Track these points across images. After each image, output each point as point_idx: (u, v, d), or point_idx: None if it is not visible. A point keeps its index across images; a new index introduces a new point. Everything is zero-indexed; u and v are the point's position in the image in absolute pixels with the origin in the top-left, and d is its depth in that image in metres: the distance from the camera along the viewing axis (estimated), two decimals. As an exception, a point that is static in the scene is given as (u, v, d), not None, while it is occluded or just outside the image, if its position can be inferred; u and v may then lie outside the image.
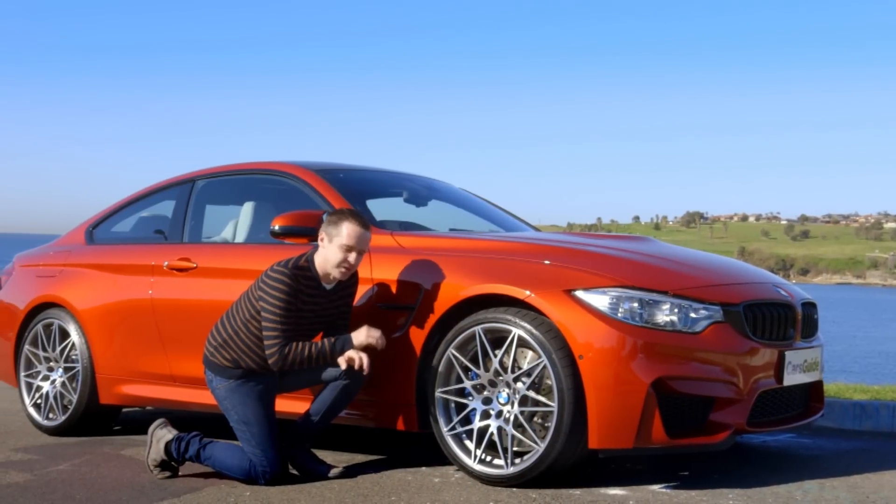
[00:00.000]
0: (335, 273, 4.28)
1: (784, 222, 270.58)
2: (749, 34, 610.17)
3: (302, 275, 4.26)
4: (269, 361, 4.23)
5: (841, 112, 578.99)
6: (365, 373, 4.26)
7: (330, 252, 4.27)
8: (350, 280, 4.44)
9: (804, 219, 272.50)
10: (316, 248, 4.38)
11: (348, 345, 4.25)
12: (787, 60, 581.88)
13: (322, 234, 4.33)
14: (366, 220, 4.34)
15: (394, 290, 4.46)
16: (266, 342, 4.22)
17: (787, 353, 4.26)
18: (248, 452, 4.25)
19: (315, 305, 4.32)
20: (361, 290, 4.52)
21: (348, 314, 4.48)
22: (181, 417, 5.86)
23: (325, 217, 4.48)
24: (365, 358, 4.23)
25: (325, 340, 4.26)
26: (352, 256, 4.26)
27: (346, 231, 4.25)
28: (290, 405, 4.67)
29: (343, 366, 4.25)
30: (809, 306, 4.66)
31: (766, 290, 4.40)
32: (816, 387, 4.70)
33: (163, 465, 4.42)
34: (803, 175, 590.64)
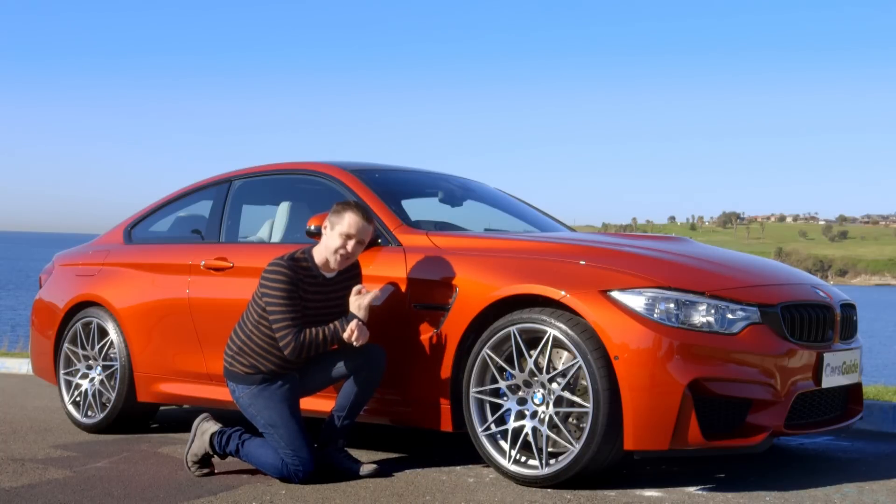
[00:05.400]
0: (333, 260, 4.36)
1: (822, 223, 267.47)
2: (788, 34, 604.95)
3: (298, 265, 4.34)
4: (286, 352, 4.27)
5: (881, 112, 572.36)
6: (360, 341, 4.28)
7: (330, 239, 4.36)
8: (352, 270, 4.52)
9: (843, 219, 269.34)
10: (315, 243, 4.46)
11: (352, 319, 4.31)
12: (827, 60, 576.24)
13: (325, 223, 4.41)
14: (368, 214, 4.43)
15: (429, 289, 4.47)
16: (278, 334, 4.27)
17: (825, 354, 4.21)
18: (280, 453, 4.27)
19: (318, 295, 4.38)
20: (396, 291, 4.54)
21: None
22: (218, 416, 5.89)
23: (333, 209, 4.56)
24: (360, 326, 4.27)
25: (334, 323, 4.32)
26: (350, 244, 4.34)
27: (348, 220, 4.34)
28: (315, 403, 4.71)
29: (346, 337, 4.26)
30: (848, 307, 4.61)
31: (804, 291, 4.36)
32: (855, 389, 4.64)
33: (201, 463, 4.47)
34: (842, 175, 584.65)
